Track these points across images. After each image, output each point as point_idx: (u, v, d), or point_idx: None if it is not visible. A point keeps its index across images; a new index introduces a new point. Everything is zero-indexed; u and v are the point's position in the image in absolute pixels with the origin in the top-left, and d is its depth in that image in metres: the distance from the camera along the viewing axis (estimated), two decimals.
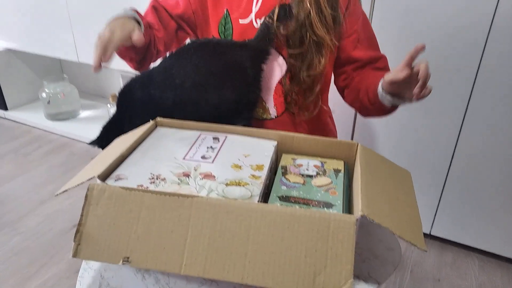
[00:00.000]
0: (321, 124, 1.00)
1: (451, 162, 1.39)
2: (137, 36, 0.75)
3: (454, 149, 1.36)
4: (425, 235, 1.55)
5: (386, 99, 0.82)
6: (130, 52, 0.85)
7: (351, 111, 1.46)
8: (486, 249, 1.46)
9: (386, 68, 0.94)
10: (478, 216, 1.42)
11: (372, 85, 0.85)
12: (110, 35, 0.74)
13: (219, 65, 0.82)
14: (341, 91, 0.99)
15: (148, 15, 0.91)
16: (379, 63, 0.93)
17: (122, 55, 0.86)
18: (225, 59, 0.83)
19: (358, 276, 0.64)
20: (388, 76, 0.77)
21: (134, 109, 0.82)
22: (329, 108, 1.04)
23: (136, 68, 0.90)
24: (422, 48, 0.69)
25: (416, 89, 0.71)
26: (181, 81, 0.81)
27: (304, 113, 0.93)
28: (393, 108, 0.86)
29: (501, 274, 1.40)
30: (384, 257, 0.70)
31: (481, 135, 1.31)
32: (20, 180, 1.87)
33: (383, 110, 0.87)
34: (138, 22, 0.82)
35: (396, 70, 0.75)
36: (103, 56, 0.73)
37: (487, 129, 1.29)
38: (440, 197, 1.45)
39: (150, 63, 0.92)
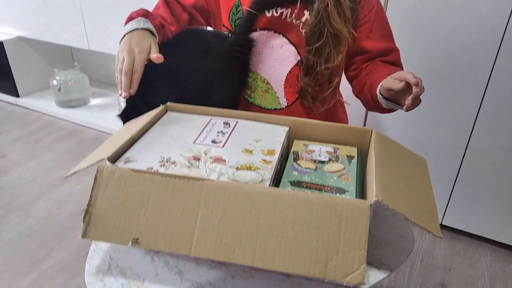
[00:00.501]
0: (334, 114, 0.99)
1: (465, 152, 1.36)
2: (156, 55, 0.74)
3: (469, 140, 1.34)
4: None
5: (382, 102, 0.83)
6: None
7: None
8: (498, 239, 1.44)
9: (396, 62, 0.92)
10: (490, 206, 1.39)
11: (376, 82, 0.84)
12: (131, 62, 0.73)
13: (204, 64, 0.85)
14: (350, 81, 0.98)
15: (159, 8, 0.90)
16: (389, 56, 0.91)
17: None
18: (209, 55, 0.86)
19: (370, 262, 0.64)
20: (386, 83, 0.78)
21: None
22: (341, 95, 1.02)
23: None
24: (416, 84, 0.70)
25: (408, 101, 0.72)
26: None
27: (322, 106, 0.93)
28: (391, 109, 0.86)
29: None
30: (397, 244, 0.69)
31: (496, 125, 1.28)
32: (31, 165, 1.89)
33: (382, 109, 0.88)
34: (152, 33, 0.81)
35: (394, 79, 0.76)
36: (131, 86, 0.73)
37: (502, 119, 1.27)
38: (453, 187, 1.43)
39: None
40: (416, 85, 0.69)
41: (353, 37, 0.87)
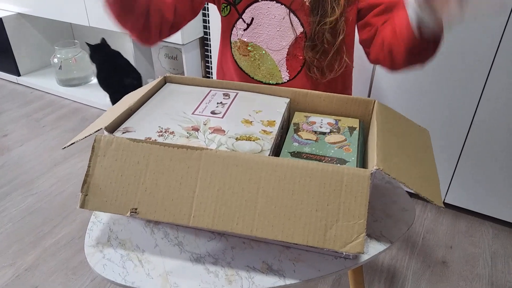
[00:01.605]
0: (339, 87, 0.96)
1: (469, 130, 1.34)
2: None
3: (473, 117, 1.32)
4: None
5: (415, 12, 0.65)
6: (128, 15, 0.75)
7: (367, 74, 1.42)
8: (500, 217, 1.43)
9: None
10: (493, 185, 1.38)
11: (399, 20, 0.72)
12: None
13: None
14: (366, 48, 0.87)
15: None
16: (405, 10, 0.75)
17: (122, 21, 0.77)
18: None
19: (370, 234, 0.63)
20: None
21: None
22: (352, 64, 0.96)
23: (142, 41, 0.81)
24: None
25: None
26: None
27: (329, 74, 0.87)
28: (422, 44, 0.69)
29: None
30: (398, 217, 0.68)
31: (501, 102, 1.26)
32: (33, 144, 1.89)
33: (411, 49, 0.71)
34: None
35: None
36: None
37: (506, 98, 1.24)
38: (456, 165, 1.42)
39: (156, 35, 0.81)
40: None
41: None
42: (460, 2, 0.54)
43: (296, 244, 0.53)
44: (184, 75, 1.91)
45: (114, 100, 2.11)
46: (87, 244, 0.63)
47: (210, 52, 1.88)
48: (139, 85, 2.06)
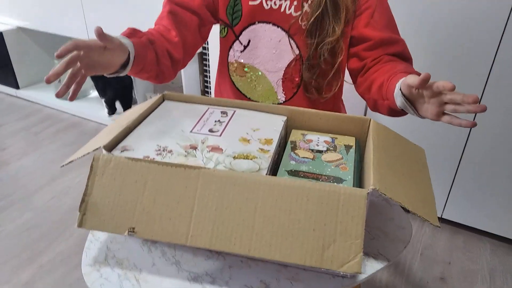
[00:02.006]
0: (335, 106, 0.97)
1: (465, 145, 1.35)
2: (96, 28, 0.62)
3: (469, 133, 1.33)
4: None
5: (398, 98, 0.72)
6: (141, 73, 0.78)
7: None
8: (498, 233, 1.43)
9: (405, 53, 0.85)
10: (490, 200, 1.39)
11: (388, 78, 0.77)
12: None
13: None
14: (353, 77, 0.91)
15: (163, 19, 0.85)
16: (396, 47, 0.83)
17: (138, 76, 0.80)
18: None
19: (367, 253, 0.63)
20: (408, 78, 0.67)
21: None
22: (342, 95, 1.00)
23: (159, 82, 0.85)
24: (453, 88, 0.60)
25: (449, 107, 0.63)
26: None
27: (327, 94, 0.89)
28: (402, 112, 0.77)
29: None
30: (395, 235, 0.68)
31: (496, 118, 1.27)
32: (31, 158, 1.89)
33: (392, 110, 0.79)
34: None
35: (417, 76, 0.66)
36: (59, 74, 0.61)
37: (502, 112, 1.26)
38: (453, 180, 1.42)
39: (171, 73, 0.85)
40: (453, 89, 0.58)
41: (353, 16, 0.84)
42: (439, 114, 0.65)
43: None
44: (183, 89, 1.92)
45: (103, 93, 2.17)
46: (84, 263, 0.63)
47: (209, 67, 1.89)
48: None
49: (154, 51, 0.78)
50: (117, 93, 2.14)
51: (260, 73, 0.91)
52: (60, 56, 0.60)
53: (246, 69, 0.92)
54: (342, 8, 0.81)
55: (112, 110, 2.22)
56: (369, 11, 0.84)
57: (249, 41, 0.89)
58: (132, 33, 0.77)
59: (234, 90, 0.96)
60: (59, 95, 0.62)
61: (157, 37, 0.81)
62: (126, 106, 2.19)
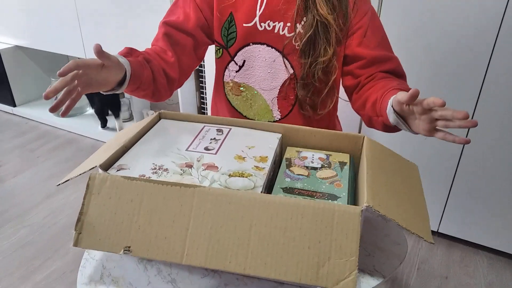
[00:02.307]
0: (330, 126, 0.99)
1: (459, 159, 1.36)
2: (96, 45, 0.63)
3: (463, 147, 1.34)
4: (433, 232, 1.53)
5: (391, 114, 0.75)
6: (137, 91, 0.80)
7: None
8: (495, 247, 1.43)
9: (397, 70, 0.87)
10: (487, 214, 1.39)
11: (381, 95, 0.78)
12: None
13: None
14: (349, 94, 0.93)
15: (159, 40, 0.87)
16: (389, 64, 0.86)
17: (134, 94, 0.81)
18: None
19: (363, 269, 0.63)
20: (398, 95, 0.69)
21: None
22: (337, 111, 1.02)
23: (156, 101, 0.87)
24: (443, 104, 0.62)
25: (440, 122, 0.64)
26: None
27: (321, 111, 0.90)
28: (396, 128, 0.79)
29: (511, 273, 1.38)
30: (390, 251, 0.68)
31: (490, 132, 1.29)
32: (27, 175, 1.89)
33: (386, 126, 0.81)
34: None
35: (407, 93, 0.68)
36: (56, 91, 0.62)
37: (496, 126, 1.27)
38: (449, 194, 1.43)
39: (167, 92, 0.87)
40: (443, 105, 0.60)
41: (344, 35, 0.85)
42: (431, 130, 0.66)
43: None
44: (179, 105, 1.93)
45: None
46: (80, 282, 0.62)
47: (205, 84, 1.91)
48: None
49: (150, 70, 0.80)
50: (104, 97, 2.13)
51: (255, 91, 0.93)
52: (62, 75, 0.62)
53: (241, 88, 0.93)
54: (331, 30, 0.83)
55: (103, 122, 2.24)
56: (362, 30, 0.86)
57: (244, 61, 0.91)
58: (129, 52, 0.79)
59: (230, 108, 0.97)
60: (52, 110, 0.63)
61: (154, 56, 0.82)
62: (116, 111, 2.20)
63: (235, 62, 0.91)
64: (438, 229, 1.50)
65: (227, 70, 0.93)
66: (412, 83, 0.82)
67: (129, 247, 0.55)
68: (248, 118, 0.96)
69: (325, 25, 0.82)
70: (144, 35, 1.82)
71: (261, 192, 0.59)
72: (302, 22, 0.84)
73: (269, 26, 0.86)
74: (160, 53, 0.85)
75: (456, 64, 1.26)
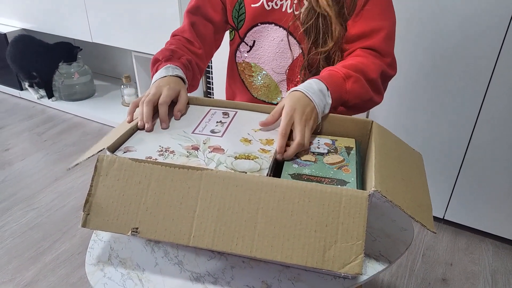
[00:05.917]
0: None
1: (467, 146, 1.35)
2: (178, 108, 0.74)
3: (471, 134, 1.33)
4: (438, 219, 1.53)
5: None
6: (194, 87, 0.90)
7: None
8: (501, 234, 1.43)
9: (376, 46, 0.80)
10: (493, 201, 1.39)
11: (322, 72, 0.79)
12: (156, 94, 0.72)
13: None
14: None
15: (185, 32, 0.89)
16: (370, 40, 0.80)
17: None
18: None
19: (369, 254, 0.63)
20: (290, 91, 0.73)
21: None
22: None
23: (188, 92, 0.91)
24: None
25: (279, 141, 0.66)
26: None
27: None
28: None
29: None
30: (396, 236, 0.68)
31: (498, 119, 1.27)
32: (35, 158, 1.90)
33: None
34: (183, 79, 0.80)
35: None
36: (153, 117, 0.71)
37: (503, 115, 1.26)
38: (455, 182, 1.42)
39: (198, 84, 0.92)
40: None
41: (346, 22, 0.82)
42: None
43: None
44: None
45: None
46: (88, 262, 0.63)
47: (211, 68, 1.90)
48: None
49: (191, 70, 0.85)
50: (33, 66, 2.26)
51: (265, 72, 0.93)
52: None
53: (253, 69, 0.94)
54: (333, 22, 0.81)
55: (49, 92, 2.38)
56: (357, 11, 0.81)
57: (254, 41, 0.91)
58: (172, 55, 0.83)
59: (244, 89, 0.98)
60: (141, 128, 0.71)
61: (188, 54, 0.87)
62: (46, 78, 2.32)
63: (245, 43, 0.92)
64: (444, 216, 1.50)
65: (238, 51, 0.95)
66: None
67: (137, 228, 0.55)
68: (258, 99, 0.96)
69: (324, 17, 0.81)
70: (150, 17, 1.81)
71: (267, 174, 0.59)
72: (307, 3, 0.82)
73: (276, 4, 0.86)
74: (187, 45, 0.88)
75: (465, 53, 1.24)
